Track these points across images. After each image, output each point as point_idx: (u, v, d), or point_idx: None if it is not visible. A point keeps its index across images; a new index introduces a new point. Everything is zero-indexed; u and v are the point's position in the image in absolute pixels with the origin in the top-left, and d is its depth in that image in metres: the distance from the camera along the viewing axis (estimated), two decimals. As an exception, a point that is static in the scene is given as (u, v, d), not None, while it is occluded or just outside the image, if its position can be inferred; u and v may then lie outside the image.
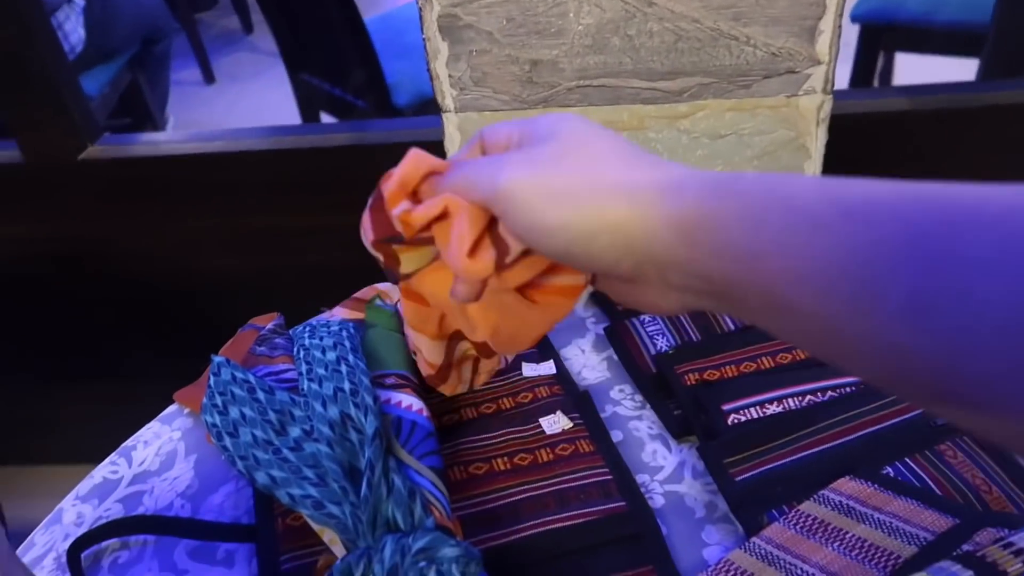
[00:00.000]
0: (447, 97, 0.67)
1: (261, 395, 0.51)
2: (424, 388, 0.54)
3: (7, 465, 1.57)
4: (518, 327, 0.41)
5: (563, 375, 0.60)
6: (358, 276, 1.00)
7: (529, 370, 0.60)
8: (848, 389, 0.55)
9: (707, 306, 0.33)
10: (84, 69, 1.87)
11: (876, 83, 1.85)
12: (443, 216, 0.36)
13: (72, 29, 1.76)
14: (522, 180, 0.32)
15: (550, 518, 0.49)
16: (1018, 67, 1.44)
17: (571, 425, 0.55)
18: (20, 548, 0.54)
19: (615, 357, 0.63)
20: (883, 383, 0.26)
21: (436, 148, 1.12)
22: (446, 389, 0.54)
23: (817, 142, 0.66)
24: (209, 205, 1.24)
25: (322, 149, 1.18)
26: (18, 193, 1.23)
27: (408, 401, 0.51)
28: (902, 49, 1.80)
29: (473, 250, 0.35)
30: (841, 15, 0.61)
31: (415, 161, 0.37)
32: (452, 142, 0.70)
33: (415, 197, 0.38)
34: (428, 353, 0.50)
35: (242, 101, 2.75)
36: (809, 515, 0.47)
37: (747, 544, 0.47)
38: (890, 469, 0.50)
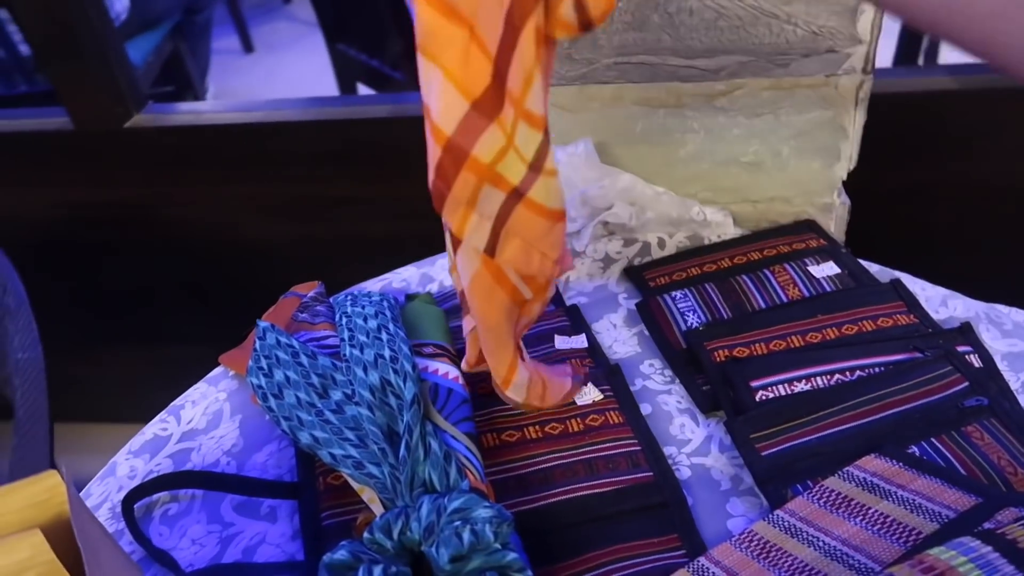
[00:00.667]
0: (486, 72, 0.68)
1: (304, 359, 0.53)
2: (459, 357, 0.56)
3: (56, 422, 1.63)
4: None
5: (595, 348, 0.62)
6: (392, 245, 1.02)
7: (561, 343, 0.62)
8: (876, 369, 0.56)
9: None
10: (128, 38, 1.90)
11: (921, 61, 1.81)
12: None
13: (117, -3, 1.79)
14: None
15: (579, 485, 0.51)
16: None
17: (601, 397, 0.56)
18: (77, 497, 0.58)
19: (646, 332, 0.64)
20: None
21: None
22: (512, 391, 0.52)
23: (856, 123, 0.66)
24: (249, 173, 1.26)
25: (361, 120, 1.20)
26: (66, 159, 1.26)
27: (445, 369, 0.53)
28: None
29: None
30: (884, -6, 0.60)
31: None
32: (490, 117, 0.71)
33: None
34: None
35: (280, 70, 2.77)
36: (833, 490, 0.48)
37: (771, 516, 0.48)
38: (915, 448, 0.51)
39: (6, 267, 0.83)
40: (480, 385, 0.58)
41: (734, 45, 0.64)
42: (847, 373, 0.56)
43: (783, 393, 0.55)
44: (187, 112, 1.29)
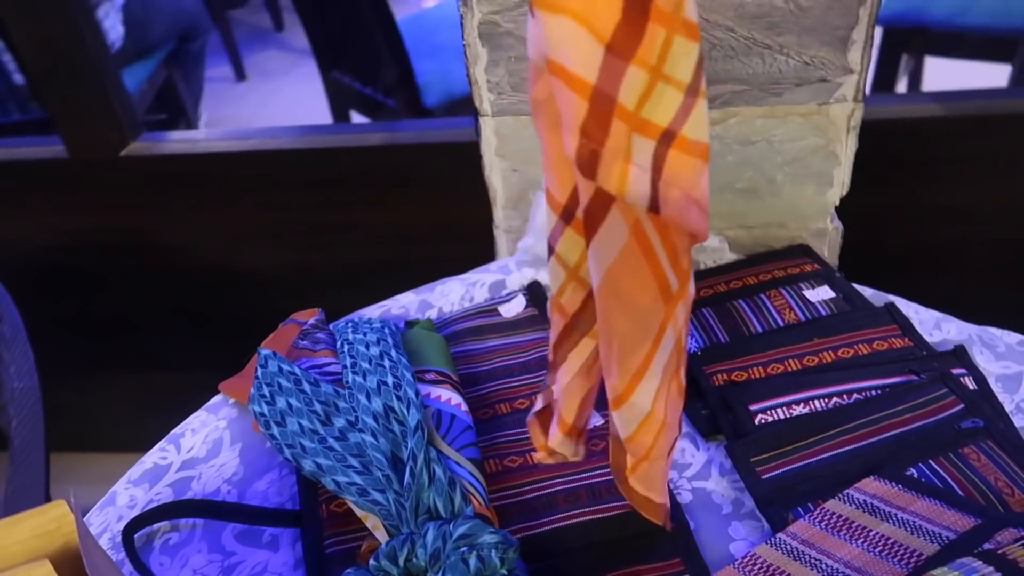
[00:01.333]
0: (484, 101, 0.69)
1: (307, 387, 0.53)
2: (462, 385, 0.57)
3: (52, 451, 1.61)
4: None
5: (594, 373, 0.62)
6: (388, 272, 1.03)
7: (561, 368, 0.62)
8: (873, 392, 0.57)
9: None
10: (122, 66, 1.91)
11: (905, 88, 1.85)
12: None
13: (112, 26, 1.80)
14: None
15: (583, 510, 0.51)
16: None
17: (603, 422, 0.57)
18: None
19: (645, 357, 0.64)
20: None
21: (466, 149, 1.14)
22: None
23: (847, 149, 0.68)
24: (244, 201, 1.27)
25: (356, 148, 1.21)
26: (62, 186, 1.27)
27: (447, 395, 0.53)
28: (930, 53, 1.79)
29: None
30: (873, 25, 0.62)
31: None
32: (489, 145, 0.72)
33: None
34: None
35: (272, 98, 2.79)
36: (834, 513, 0.49)
37: (773, 539, 0.48)
38: (914, 470, 0.51)
39: (2, 295, 0.83)
40: (481, 411, 0.58)
41: (728, 75, 0.65)
42: (844, 396, 0.57)
43: (782, 416, 0.56)
44: (182, 140, 1.30)
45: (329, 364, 0.60)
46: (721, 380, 0.59)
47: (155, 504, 0.57)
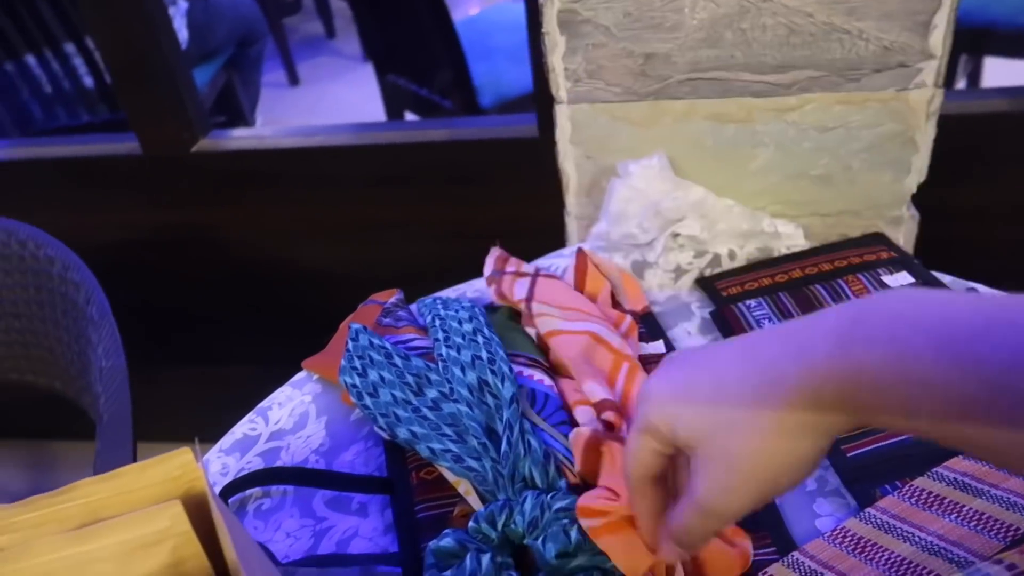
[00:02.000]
0: (561, 89, 0.71)
1: (398, 360, 0.55)
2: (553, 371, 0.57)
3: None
4: None
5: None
6: (446, 267, 1.04)
7: (640, 348, 0.63)
8: (958, 374, 0.56)
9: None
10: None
11: (964, 86, 1.82)
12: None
13: (177, 30, 1.86)
14: (741, 505, 0.35)
15: (669, 483, 0.51)
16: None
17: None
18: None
19: (721, 339, 0.65)
20: None
21: (525, 145, 1.15)
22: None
23: (926, 136, 0.67)
24: (306, 197, 1.30)
25: (417, 144, 1.23)
26: (135, 183, 1.31)
27: (540, 376, 0.54)
28: (992, 53, 1.76)
29: None
30: (956, 10, 0.62)
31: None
32: (563, 133, 0.73)
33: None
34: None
35: (324, 102, 2.85)
36: (924, 489, 0.49)
37: (862, 514, 0.48)
38: (1004, 450, 0.51)
39: (89, 279, 0.86)
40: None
41: (806, 60, 0.65)
42: (928, 378, 0.56)
43: (865, 396, 0.56)
44: (248, 137, 1.34)
45: (413, 340, 0.62)
46: (801, 361, 0.59)
47: (246, 472, 0.59)
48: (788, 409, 0.33)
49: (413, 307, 0.70)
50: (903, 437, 0.53)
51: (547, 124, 1.03)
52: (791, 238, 0.71)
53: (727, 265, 0.72)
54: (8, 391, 0.98)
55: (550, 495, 0.45)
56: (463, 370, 0.51)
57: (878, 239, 0.72)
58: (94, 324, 0.83)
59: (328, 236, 1.33)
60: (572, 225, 0.79)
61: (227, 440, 0.63)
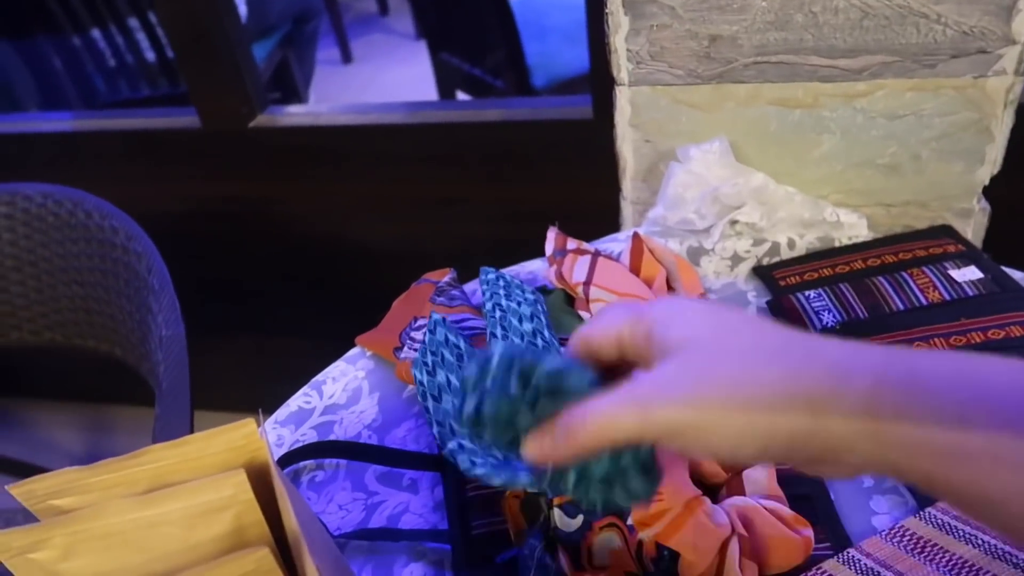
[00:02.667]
0: (622, 70, 0.70)
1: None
2: None
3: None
4: None
5: (727, 343, 0.62)
6: (497, 247, 1.04)
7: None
8: (1028, 374, 0.55)
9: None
10: (244, 44, 2.00)
11: None
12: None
13: (236, 5, 1.89)
14: (678, 412, 0.30)
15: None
16: None
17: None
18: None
19: (777, 330, 0.64)
20: None
21: (580, 127, 1.14)
22: None
23: (1003, 125, 0.65)
24: (360, 173, 1.31)
25: (471, 124, 1.23)
26: (194, 156, 1.34)
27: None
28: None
29: None
30: (1042, -7, 0.59)
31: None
32: (623, 115, 0.72)
33: None
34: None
35: (377, 80, 2.86)
36: (988, 491, 0.47)
37: (922, 513, 0.47)
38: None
39: (151, 250, 0.88)
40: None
41: (879, 45, 0.63)
42: (996, 377, 0.55)
43: (929, 393, 0.54)
44: (305, 113, 1.35)
45: (467, 319, 0.62)
46: (862, 355, 0.58)
47: (301, 444, 0.60)
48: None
49: (470, 285, 0.70)
50: (967, 437, 0.51)
51: (604, 106, 1.02)
52: (853, 228, 0.70)
53: (786, 254, 0.70)
54: (71, 356, 1.02)
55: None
56: None
57: (945, 231, 0.69)
58: (155, 294, 0.86)
59: (381, 213, 1.34)
60: (627, 209, 0.78)
61: (282, 412, 0.64)
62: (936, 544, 0.45)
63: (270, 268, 1.47)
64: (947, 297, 0.62)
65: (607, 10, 0.66)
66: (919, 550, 0.45)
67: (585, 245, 0.68)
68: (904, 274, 0.65)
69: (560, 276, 0.64)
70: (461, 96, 1.98)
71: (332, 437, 0.62)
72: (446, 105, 1.39)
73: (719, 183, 0.68)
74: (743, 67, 0.67)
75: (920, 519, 0.47)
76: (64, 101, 1.98)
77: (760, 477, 0.49)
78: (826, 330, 0.61)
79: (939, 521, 0.46)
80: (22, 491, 0.35)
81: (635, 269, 0.66)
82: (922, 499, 0.49)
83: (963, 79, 0.63)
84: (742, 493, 0.48)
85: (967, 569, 0.43)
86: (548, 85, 1.73)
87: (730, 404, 0.30)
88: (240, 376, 1.59)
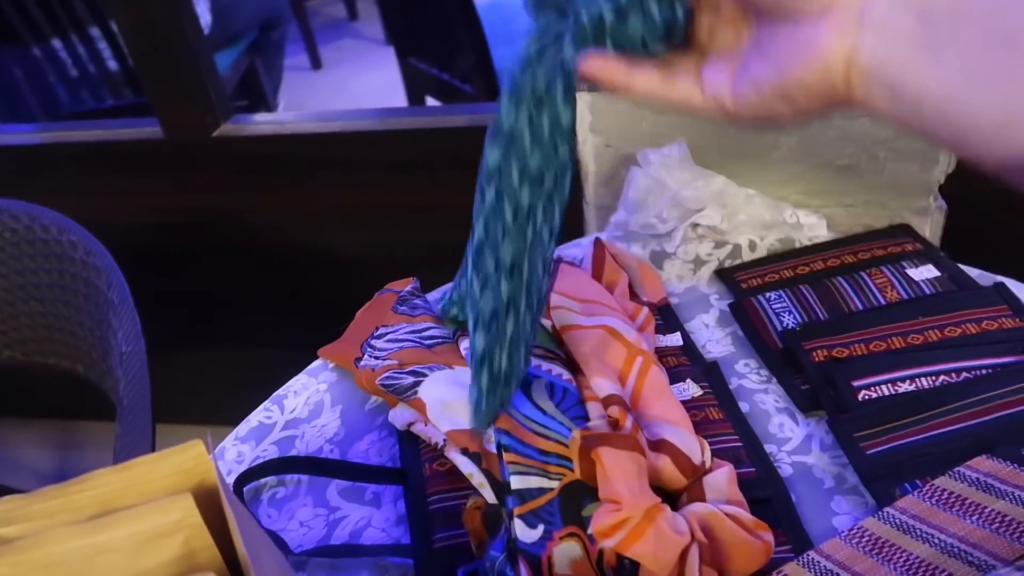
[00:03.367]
0: (581, 76, 0.69)
1: None
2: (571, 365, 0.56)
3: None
4: None
5: (689, 347, 0.62)
6: (464, 253, 1.04)
7: (656, 341, 0.62)
8: (983, 371, 0.55)
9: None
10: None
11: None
12: None
13: (200, 13, 1.86)
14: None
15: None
16: None
17: (701, 393, 0.57)
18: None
19: (739, 332, 0.64)
20: None
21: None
22: None
23: (955, 125, 0.66)
24: (328, 181, 1.30)
25: (438, 130, 1.22)
26: (158, 167, 1.32)
27: (559, 370, 0.54)
28: None
29: None
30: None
31: None
32: (583, 120, 0.72)
33: None
34: None
35: (347, 86, 2.84)
36: (945, 489, 0.48)
37: (880, 513, 0.47)
38: (1030, 450, 0.50)
39: (110, 265, 0.87)
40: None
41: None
42: (952, 375, 0.55)
43: (887, 393, 0.55)
44: (270, 122, 1.34)
45: (428, 329, 0.61)
46: (822, 356, 0.58)
47: (261, 460, 0.59)
48: None
49: (432, 295, 0.70)
50: (924, 435, 0.52)
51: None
52: (813, 229, 0.70)
53: (747, 256, 0.71)
54: (34, 373, 1.00)
55: None
56: None
57: (903, 230, 0.70)
58: (115, 309, 0.84)
59: (349, 222, 1.33)
60: (590, 214, 0.78)
61: (243, 428, 0.63)
62: (893, 544, 0.45)
63: (238, 279, 1.45)
64: (905, 296, 0.63)
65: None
66: (877, 550, 0.45)
67: None
68: (863, 274, 0.65)
69: None
70: (431, 101, 1.98)
71: (293, 452, 0.61)
72: (413, 112, 1.39)
73: (680, 187, 0.68)
74: (700, 71, 0.67)
75: (879, 519, 0.47)
76: (26, 112, 1.95)
77: (721, 483, 0.49)
78: (787, 332, 0.61)
79: (897, 520, 0.47)
80: (-41, 521, 0.34)
81: (597, 275, 0.66)
82: (881, 499, 0.49)
83: (916, 80, 0.64)
84: (703, 499, 0.48)
85: (924, 568, 0.43)
86: (517, 89, 1.73)
87: None
88: (211, 388, 1.56)
